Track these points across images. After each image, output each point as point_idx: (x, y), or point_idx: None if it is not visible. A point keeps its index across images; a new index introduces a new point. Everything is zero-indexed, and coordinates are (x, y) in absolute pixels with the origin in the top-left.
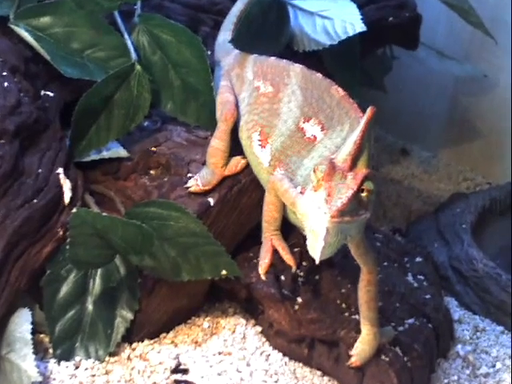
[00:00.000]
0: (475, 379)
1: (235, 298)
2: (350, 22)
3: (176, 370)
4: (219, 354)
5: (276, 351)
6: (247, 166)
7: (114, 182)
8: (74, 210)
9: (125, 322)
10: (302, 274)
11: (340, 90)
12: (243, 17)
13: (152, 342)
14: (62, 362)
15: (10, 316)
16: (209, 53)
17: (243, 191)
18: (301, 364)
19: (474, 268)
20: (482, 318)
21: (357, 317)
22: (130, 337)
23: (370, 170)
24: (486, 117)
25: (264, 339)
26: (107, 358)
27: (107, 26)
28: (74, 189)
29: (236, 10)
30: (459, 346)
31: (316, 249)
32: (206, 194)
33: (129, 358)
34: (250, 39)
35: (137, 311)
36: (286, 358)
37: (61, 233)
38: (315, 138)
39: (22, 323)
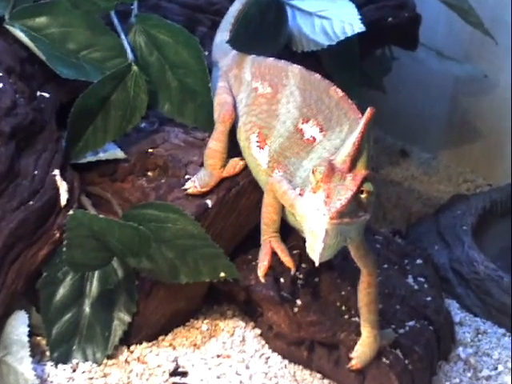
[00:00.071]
0: (477, 382)
1: (234, 300)
2: (348, 23)
3: (174, 373)
4: (218, 356)
5: (275, 354)
6: (245, 167)
7: (110, 183)
8: (71, 212)
9: (122, 325)
10: (301, 276)
11: (339, 90)
12: (241, 17)
13: (150, 344)
14: (59, 365)
15: (7, 318)
16: (206, 53)
17: (241, 193)
18: (300, 367)
19: (475, 270)
20: (483, 321)
21: (357, 319)
22: (127, 339)
23: (370, 171)
24: (486, 117)
25: (263, 342)
26: (105, 361)
27: (103, 27)
28: (70, 190)
29: (234, 10)
30: (460, 349)
31: (315, 251)
32: (203, 195)
33: (127, 361)
34: (248, 40)
35: (134, 314)
36: (286, 361)
37: (57, 235)
38: (314, 139)
39: (19, 326)
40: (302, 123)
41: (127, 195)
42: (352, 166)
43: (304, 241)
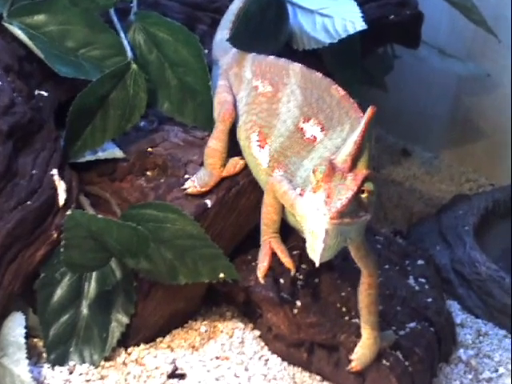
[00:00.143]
0: None
1: (233, 301)
2: (350, 20)
3: (173, 375)
4: (217, 358)
5: (275, 356)
6: (245, 167)
7: (109, 183)
8: (69, 212)
9: (120, 326)
10: (301, 277)
11: (340, 89)
12: (241, 15)
13: (148, 346)
14: (56, 367)
15: (3, 320)
16: (206, 51)
17: (241, 193)
18: (300, 369)
19: (477, 271)
20: (484, 322)
21: (357, 321)
22: (125, 341)
23: (371, 170)
24: (489, 117)
25: (263, 343)
26: (102, 363)
27: (102, 24)
28: (68, 190)
29: (234, 8)
30: (461, 351)
31: (315, 251)
32: (203, 195)
33: (124, 363)
34: (249, 38)
35: (132, 315)
36: (285, 363)
37: (55, 235)
38: (315, 138)
39: (16, 327)
40: (303, 122)
41: (126, 195)
42: (353, 166)
43: (304, 241)
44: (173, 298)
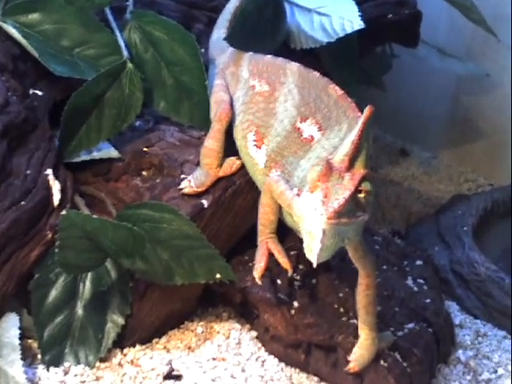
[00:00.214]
0: None
1: (230, 302)
2: (348, 19)
3: (169, 376)
4: (213, 359)
5: (272, 357)
6: (242, 167)
7: (104, 183)
8: (64, 212)
9: (116, 327)
10: (298, 277)
11: (338, 88)
12: (238, 13)
13: (144, 347)
14: (51, 368)
15: None
16: (203, 51)
17: (238, 193)
18: (297, 370)
19: (476, 271)
20: (483, 323)
21: (355, 321)
22: (121, 342)
23: (368, 170)
24: (488, 116)
25: (259, 344)
26: (97, 364)
27: (98, 23)
28: (63, 190)
29: (231, 7)
30: (460, 352)
31: (313, 251)
32: (199, 195)
33: (120, 364)
34: (246, 37)
35: (128, 316)
36: (282, 364)
37: (50, 235)
38: (312, 138)
39: (10, 328)
40: (300, 122)
41: (121, 195)
42: (350, 165)
43: (301, 242)
44: (169, 298)
